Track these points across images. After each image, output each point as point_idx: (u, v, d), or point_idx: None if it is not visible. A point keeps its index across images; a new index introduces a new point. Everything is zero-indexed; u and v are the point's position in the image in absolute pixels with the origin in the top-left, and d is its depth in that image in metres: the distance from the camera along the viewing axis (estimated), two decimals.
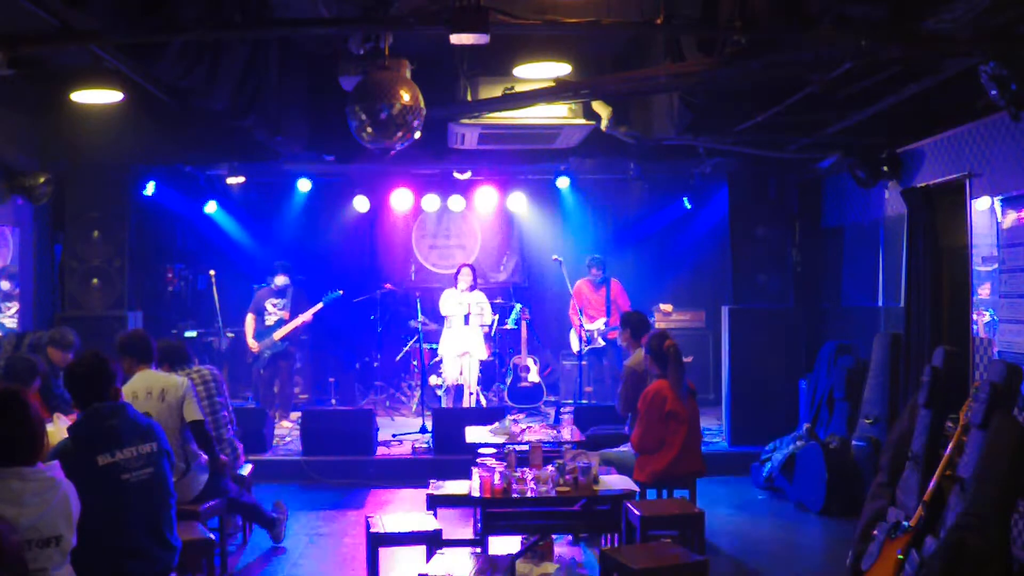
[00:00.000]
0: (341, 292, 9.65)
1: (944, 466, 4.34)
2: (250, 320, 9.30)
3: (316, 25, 5.17)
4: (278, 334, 9.26)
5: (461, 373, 9.35)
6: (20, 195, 7.51)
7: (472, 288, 9.40)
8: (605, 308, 9.53)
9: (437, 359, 9.83)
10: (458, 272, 9.45)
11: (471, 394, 9.40)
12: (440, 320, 9.62)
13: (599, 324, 9.47)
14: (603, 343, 9.48)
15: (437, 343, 9.72)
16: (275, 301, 9.38)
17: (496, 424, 6.30)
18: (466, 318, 9.39)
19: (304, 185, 10.23)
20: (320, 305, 9.47)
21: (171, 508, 3.78)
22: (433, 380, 9.66)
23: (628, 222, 11.50)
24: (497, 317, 10.53)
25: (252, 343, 9.23)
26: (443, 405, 9.35)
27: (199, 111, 6.00)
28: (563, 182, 10.16)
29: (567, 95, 6.26)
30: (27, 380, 5.36)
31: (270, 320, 9.31)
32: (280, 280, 9.38)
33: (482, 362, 10.27)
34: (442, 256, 11.75)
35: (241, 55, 5.60)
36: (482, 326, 9.53)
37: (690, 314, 10.77)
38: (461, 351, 9.30)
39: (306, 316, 9.39)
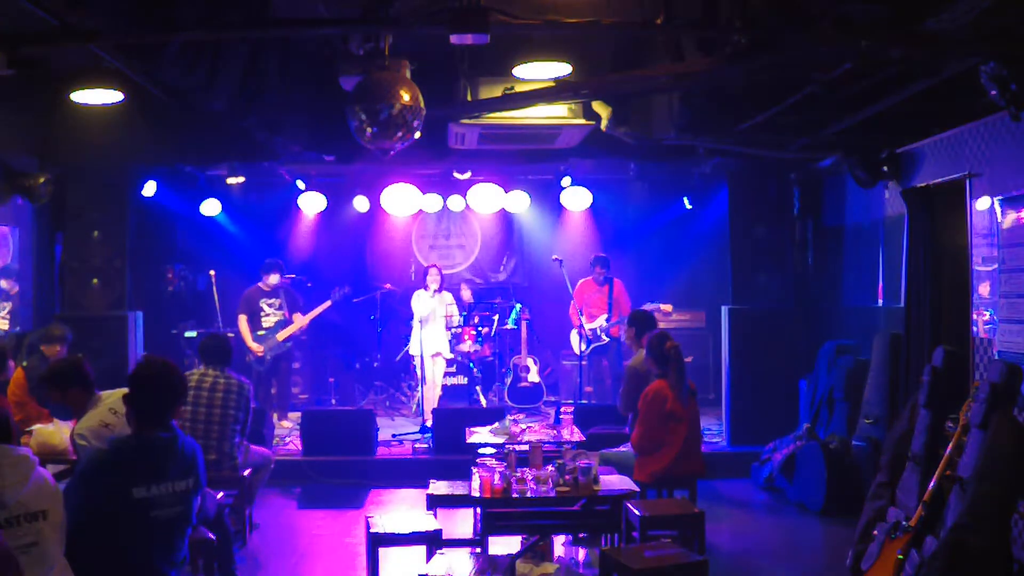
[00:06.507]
0: (348, 289, 9.62)
1: (944, 466, 4.34)
2: (244, 322, 9.07)
3: (316, 25, 5.16)
4: (282, 335, 9.14)
5: (433, 372, 9.37)
6: (20, 195, 7.52)
7: (440, 289, 9.40)
8: (607, 307, 9.53)
9: (401, 356, 9.83)
10: (426, 273, 9.45)
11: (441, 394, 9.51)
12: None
13: (600, 321, 9.47)
14: (607, 339, 9.48)
15: None
16: (270, 301, 9.19)
17: (496, 424, 6.29)
18: (458, 321, 9.43)
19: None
20: (328, 303, 9.41)
21: (187, 535, 3.59)
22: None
23: (628, 222, 11.50)
24: (498, 317, 10.54)
25: (255, 346, 9.01)
26: (424, 406, 9.37)
27: (199, 111, 6.00)
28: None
29: (567, 95, 6.26)
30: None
31: (268, 321, 9.15)
32: (273, 279, 9.17)
33: (482, 361, 10.30)
34: (442, 256, 11.75)
35: (241, 55, 5.60)
36: (449, 328, 9.53)
37: (690, 314, 10.76)
38: (433, 352, 9.28)
39: (314, 313, 9.34)
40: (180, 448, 3.48)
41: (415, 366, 9.71)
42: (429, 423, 9.05)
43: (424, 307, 9.23)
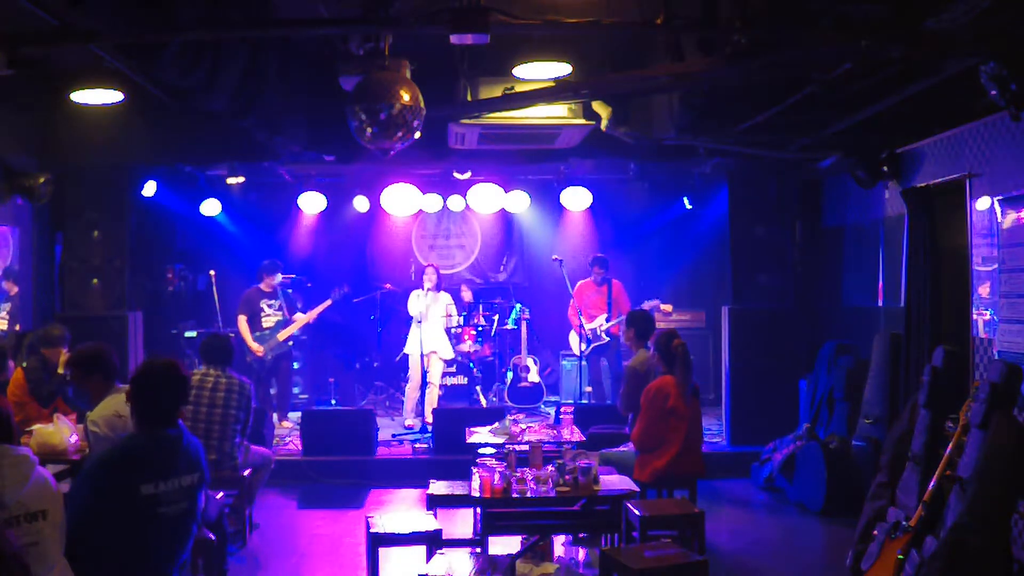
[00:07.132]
0: (348, 289, 9.64)
1: (944, 466, 4.34)
2: (244, 322, 9.05)
3: (316, 25, 5.16)
4: (283, 334, 9.15)
5: (428, 371, 9.35)
6: (20, 195, 7.51)
7: (438, 288, 9.39)
8: (607, 307, 9.53)
9: (400, 356, 9.85)
10: (423, 272, 9.45)
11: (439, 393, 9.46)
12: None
13: (599, 321, 9.47)
14: (607, 339, 9.48)
15: None
16: (270, 302, 9.19)
17: (496, 424, 6.29)
18: (449, 321, 9.43)
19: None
20: (328, 302, 9.43)
21: (192, 534, 3.59)
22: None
23: (628, 222, 11.50)
24: (498, 317, 10.55)
25: (256, 347, 8.99)
26: (406, 405, 9.38)
27: (199, 111, 5.99)
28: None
29: (567, 95, 6.25)
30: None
31: (268, 322, 9.14)
32: (273, 280, 9.19)
33: (482, 361, 10.30)
34: (442, 256, 11.75)
35: (241, 55, 5.59)
36: (448, 328, 9.53)
37: (690, 314, 10.77)
38: (428, 350, 9.26)
39: (314, 313, 9.35)
40: (185, 443, 3.51)
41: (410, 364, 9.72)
42: (409, 422, 9.11)
43: (417, 305, 9.23)
